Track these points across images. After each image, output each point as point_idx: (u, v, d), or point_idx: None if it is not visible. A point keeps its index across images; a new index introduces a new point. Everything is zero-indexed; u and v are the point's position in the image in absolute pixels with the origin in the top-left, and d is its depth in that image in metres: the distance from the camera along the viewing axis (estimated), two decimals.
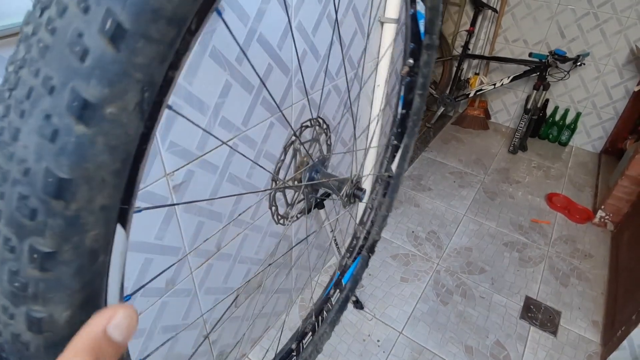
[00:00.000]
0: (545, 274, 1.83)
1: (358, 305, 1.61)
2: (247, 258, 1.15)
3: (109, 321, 0.20)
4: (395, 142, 0.81)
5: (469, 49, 2.76)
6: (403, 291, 1.70)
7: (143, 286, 0.84)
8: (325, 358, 1.43)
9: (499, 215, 2.16)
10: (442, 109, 2.91)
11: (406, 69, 0.65)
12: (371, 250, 0.93)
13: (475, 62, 2.97)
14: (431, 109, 2.99)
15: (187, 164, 0.80)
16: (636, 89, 2.39)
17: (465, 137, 2.91)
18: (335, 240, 1.49)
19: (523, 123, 2.60)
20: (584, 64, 2.52)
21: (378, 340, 1.51)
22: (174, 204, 0.79)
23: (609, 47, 2.50)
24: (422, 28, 0.62)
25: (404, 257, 1.87)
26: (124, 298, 0.26)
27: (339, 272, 0.89)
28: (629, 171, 1.97)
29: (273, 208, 0.59)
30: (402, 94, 0.73)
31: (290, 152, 0.63)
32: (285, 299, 1.53)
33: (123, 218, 0.23)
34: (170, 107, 0.26)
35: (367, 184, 0.76)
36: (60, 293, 0.20)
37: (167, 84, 0.22)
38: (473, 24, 2.67)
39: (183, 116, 0.71)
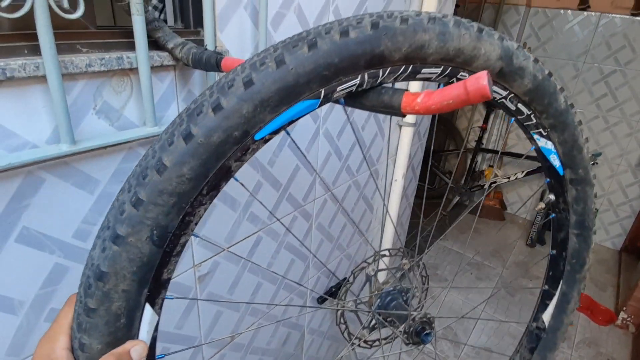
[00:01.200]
0: None
1: None
2: (259, 349, 1.14)
3: (133, 345, 0.35)
4: (547, 287, 0.68)
5: (483, 144, 2.89)
6: None
7: None
8: None
9: (519, 313, 2.09)
10: (457, 198, 2.97)
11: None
12: None
13: (489, 155, 3.08)
14: (447, 197, 3.05)
15: (215, 255, 0.84)
16: None
17: (482, 227, 2.91)
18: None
19: (540, 217, 2.61)
20: (597, 163, 2.59)
21: None
22: (199, 298, 0.82)
23: (621, 149, 2.58)
24: (555, 162, 0.54)
25: (420, 355, 1.79)
26: None
27: None
28: None
29: (342, 326, 0.58)
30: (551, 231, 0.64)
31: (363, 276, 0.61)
32: None
33: (151, 300, 0.36)
34: (196, 235, 0.39)
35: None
36: (96, 332, 0.33)
37: (185, 224, 0.35)
38: (486, 121, 2.83)
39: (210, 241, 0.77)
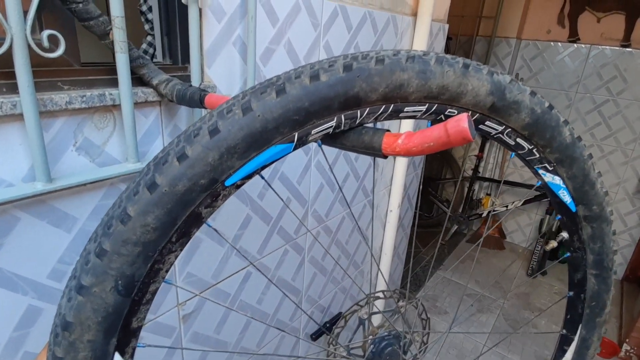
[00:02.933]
0: None
1: None
2: None
3: None
4: (565, 331, 0.64)
5: (479, 172, 2.89)
6: None
7: None
8: None
9: (523, 347, 2.01)
10: (455, 227, 2.94)
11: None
12: None
13: (486, 183, 3.08)
14: (445, 226, 3.01)
15: (200, 293, 0.81)
16: None
17: (481, 256, 2.86)
18: None
19: (539, 246, 2.57)
20: None
21: None
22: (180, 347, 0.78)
23: (617, 177, 2.58)
24: (566, 199, 0.51)
25: None
26: None
27: None
28: None
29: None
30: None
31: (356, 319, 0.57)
32: None
33: (121, 349, 0.35)
34: (167, 282, 0.37)
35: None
36: None
37: (154, 273, 0.34)
38: (482, 149, 2.84)
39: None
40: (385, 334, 0.51)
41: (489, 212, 2.79)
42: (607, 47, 2.42)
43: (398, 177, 1.44)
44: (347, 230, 1.30)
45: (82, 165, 0.55)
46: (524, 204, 2.64)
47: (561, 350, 0.65)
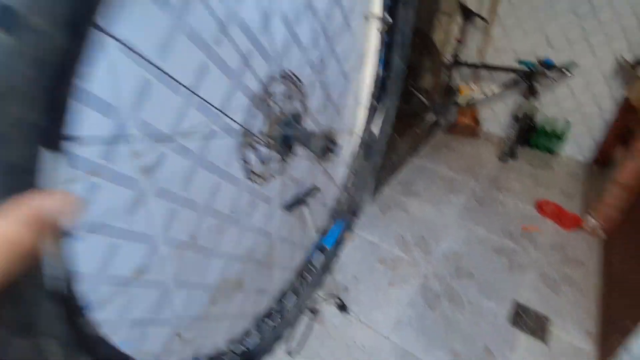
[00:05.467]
0: (536, 280, 1.80)
1: (343, 308, 1.56)
2: (226, 253, 1.11)
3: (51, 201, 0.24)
4: (376, 102, 0.80)
5: (459, 58, 2.78)
6: (390, 295, 1.66)
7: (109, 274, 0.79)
8: None
9: (489, 221, 2.14)
10: (433, 117, 2.91)
11: (385, 27, 0.63)
12: (354, 214, 0.96)
13: (466, 71, 2.99)
14: (423, 117, 2.99)
15: (159, 144, 0.76)
16: (626, 95, 2.41)
17: (456, 145, 2.90)
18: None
19: (513, 131, 2.60)
20: (572, 74, 2.54)
21: (363, 346, 1.45)
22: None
23: (596, 58, 2.52)
24: None
25: (392, 262, 1.83)
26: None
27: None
28: (620, 178, 1.96)
29: (244, 163, 0.56)
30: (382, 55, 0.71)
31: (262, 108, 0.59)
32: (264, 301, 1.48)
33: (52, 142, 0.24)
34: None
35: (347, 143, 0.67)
36: None
37: None
38: (462, 33, 2.69)
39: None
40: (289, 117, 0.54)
41: (468, 100, 2.75)
42: None
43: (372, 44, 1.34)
44: (319, 101, 1.23)
45: None
46: (501, 89, 2.59)
47: (372, 118, 0.81)
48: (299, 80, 0.55)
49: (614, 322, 1.51)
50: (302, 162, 1.28)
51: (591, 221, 2.11)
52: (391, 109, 0.80)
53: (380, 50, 0.70)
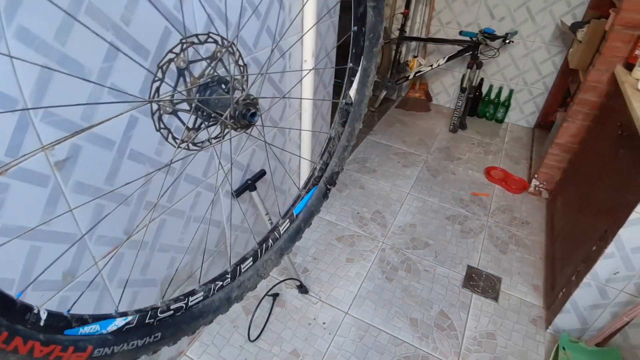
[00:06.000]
0: (486, 243, 1.88)
1: (303, 289, 1.57)
2: (169, 246, 1.07)
3: None
4: (352, 64, 0.72)
5: (406, 32, 2.79)
6: (349, 272, 1.68)
7: (35, 279, 0.74)
8: (269, 346, 1.37)
9: (442, 191, 2.20)
10: (384, 93, 2.93)
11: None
12: (330, 182, 0.90)
13: (413, 45, 3.01)
14: (374, 93, 3.00)
15: (71, 136, 0.71)
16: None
17: (409, 119, 2.94)
18: (271, 222, 1.43)
19: (460, 102, 2.67)
20: (513, 42, 2.62)
21: (324, 323, 1.47)
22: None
23: (536, 25, 2.61)
24: None
25: (349, 239, 1.85)
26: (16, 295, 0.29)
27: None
28: (558, 139, 2.07)
29: (164, 131, 0.50)
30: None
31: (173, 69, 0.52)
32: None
33: None
34: None
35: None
36: None
37: None
38: (407, 6, 2.70)
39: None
40: (209, 80, 0.48)
41: (416, 73, 2.78)
42: None
43: (309, 21, 1.31)
44: (256, 82, 1.19)
45: None
46: (447, 60, 2.64)
47: (349, 81, 0.75)
48: (226, 40, 0.50)
49: (557, 274, 1.61)
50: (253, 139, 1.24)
51: (535, 183, 2.22)
52: (369, 69, 0.74)
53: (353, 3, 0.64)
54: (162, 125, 0.47)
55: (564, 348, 1.37)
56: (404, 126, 2.84)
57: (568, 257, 1.58)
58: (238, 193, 1.30)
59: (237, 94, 0.51)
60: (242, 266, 0.72)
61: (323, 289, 1.60)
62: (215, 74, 0.49)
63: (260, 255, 0.77)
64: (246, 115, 0.51)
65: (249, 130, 0.56)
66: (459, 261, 1.77)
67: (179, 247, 1.12)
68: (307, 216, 0.86)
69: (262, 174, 1.37)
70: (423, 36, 2.91)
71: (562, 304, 1.43)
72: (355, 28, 0.67)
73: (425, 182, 2.26)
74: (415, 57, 2.95)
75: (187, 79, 0.46)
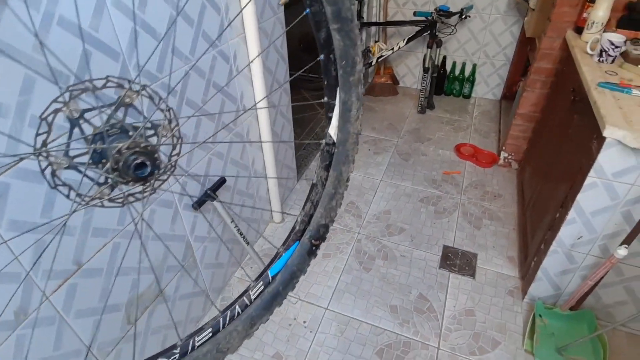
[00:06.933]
0: (460, 220, 1.89)
1: None
2: (129, 269, 1.05)
3: None
4: (327, 99, 0.61)
5: (363, 18, 2.77)
6: (326, 267, 1.68)
7: None
8: (250, 352, 1.37)
9: (414, 174, 2.21)
10: None
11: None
12: (317, 237, 0.72)
13: (373, 30, 2.99)
14: None
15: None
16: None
17: (377, 105, 2.93)
18: (238, 229, 1.42)
19: (425, 83, 2.67)
20: (470, 17, 2.62)
21: (304, 322, 1.47)
22: None
23: None
24: None
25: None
26: None
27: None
28: (520, 110, 2.08)
29: (63, 188, 0.42)
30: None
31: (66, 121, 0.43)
32: (200, 303, 1.44)
33: None
34: None
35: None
36: None
37: None
38: None
39: None
40: (108, 128, 0.42)
41: (378, 58, 2.77)
42: None
43: (249, 17, 1.28)
44: (200, 89, 1.17)
45: None
46: (407, 42, 2.63)
47: (328, 118, 0.63)
48: (133, 82, 0.44)
49: (529, 243, 1.63)
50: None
51: (504, 155, 2.24)
52: (349, 102, 0.61)
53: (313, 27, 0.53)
54: (59, 182, 0.42)
55: (540, 315, 1.40)
56: (372, 112, 2.84)
57: (537, 225, 1.60)
58: (199, 204, 1.28)
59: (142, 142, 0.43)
60: (197, 339, 0.60)
61: (301, 287, 1.60)
62: (115, 120, 0.43)
63: (224, 326, 0.64)
64: (130, 167, 0.42)
65: (154, 185, 0.48)
66: (435, 242, 1.78)
67: (141, 267, 1.09)
68: (287, 278, 0.71)
69: (222, 182, 1.35)
70: (381, 20, 2.89)
71: (534, 272, 1.45)
72: (322, 56, 0.56)
73: (397, 167, 2.26)
74: (376, 42, 2.93)
75: (85, 130, 0.41)
